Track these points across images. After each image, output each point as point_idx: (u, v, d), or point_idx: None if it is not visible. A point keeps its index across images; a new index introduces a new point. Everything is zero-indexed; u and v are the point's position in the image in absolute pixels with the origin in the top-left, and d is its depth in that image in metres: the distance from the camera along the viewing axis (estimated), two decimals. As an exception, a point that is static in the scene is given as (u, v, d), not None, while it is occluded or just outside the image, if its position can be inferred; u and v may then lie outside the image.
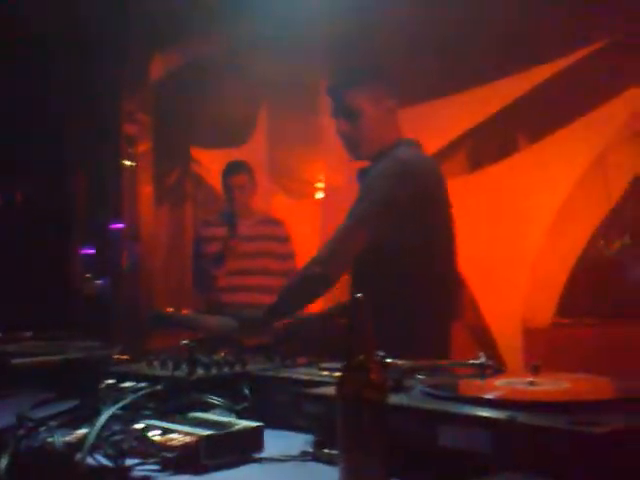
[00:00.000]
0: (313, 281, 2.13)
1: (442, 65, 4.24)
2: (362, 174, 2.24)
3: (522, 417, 0.90)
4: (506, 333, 4.18)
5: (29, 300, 4.27)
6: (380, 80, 2.24)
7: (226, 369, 1.51)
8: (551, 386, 1.08)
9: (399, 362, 1.22)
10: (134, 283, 5.02)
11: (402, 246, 2.06)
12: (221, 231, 3.67)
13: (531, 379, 1.11)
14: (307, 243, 3.96)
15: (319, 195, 5.67)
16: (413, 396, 1.09)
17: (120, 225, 5.38)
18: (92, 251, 5.47)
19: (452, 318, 2.21)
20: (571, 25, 3.91)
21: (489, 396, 1.01)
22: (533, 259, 4.33)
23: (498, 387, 1.09)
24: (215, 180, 5.56)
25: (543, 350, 3.90)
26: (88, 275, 5.36)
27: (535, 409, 0.93)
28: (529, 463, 0.88)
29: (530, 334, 4.13)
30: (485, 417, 0.92)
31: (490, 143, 4.72)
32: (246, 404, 1.36)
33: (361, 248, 2.09)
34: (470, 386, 1.14)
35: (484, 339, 4.17)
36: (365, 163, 2.29)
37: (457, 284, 2.34)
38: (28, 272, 4.59)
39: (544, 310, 4.37)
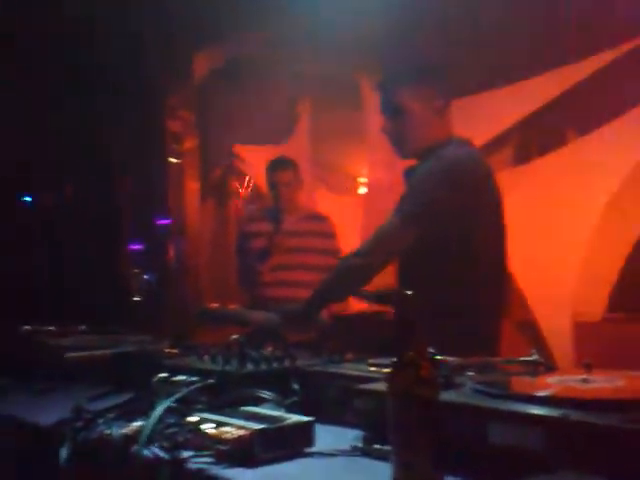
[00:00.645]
0: (352, 272, 2.13)
1: (490, 58, 4.18)
2: (409, 173, 2.23)
3: (575, 415, 0.90)
4: (556, 329, 4.11)
5: (80, 296, 4.38)
6: (429, 79, 2.22)
7: (275, 364, 1.53)
8: (604, 384, 1.06)
9: (449, 359, 1.22)
10: (180, 278, 5.11)
11: (449, 246, 2.04)
12: (266, 226, 3.69)
13: (584, 376, 1.10)
14: (348, 239, 3.96)
15: (362, 191, 5.67)
16: (463, 393, 1.09)
17: (167, 221, 5.47)
18: (140, 247, 5.57)
19: (502, 316, 2.18)
20: (621, 16, 3.82)
21: (541, 393, 1.00)
22: (583, 253, 4.24)
23: (550, 384, 1.08)
24: (258, 176, 5.60)
25: (594, 346, 3.82)
26: (136, 270, 5.46)
27: (588, 407, 0.92)
28: (581, 462, 0.87)
29: (580, 329, 4.06)
30: (537, 415, 0.92)
31: (538, 136, 4.64)
32: (295, 399, 1.38)
33: (404, 246, 2.07)
34: (521, 383, 1.13)
35: (533, 336, 4.11)
36: (412, 161, 2.28)
37: (507, 282, 2.29)
38: (78, 268, 4.70)
39: (595, 305, 4.28)
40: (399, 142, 2.21)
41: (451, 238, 2.03)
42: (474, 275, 2.06)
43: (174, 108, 5.26)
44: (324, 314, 2.53)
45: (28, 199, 5.05)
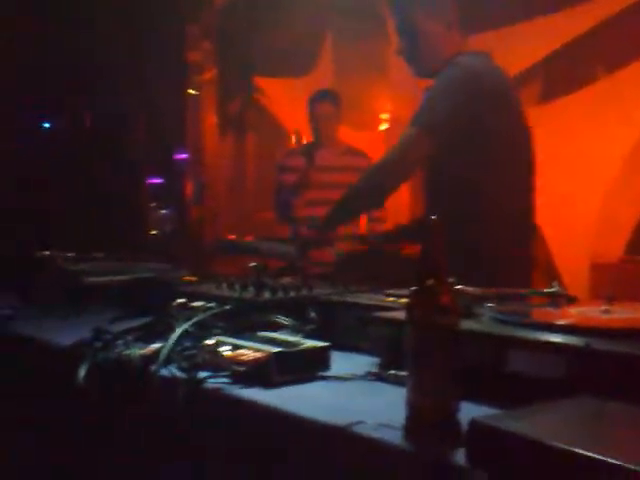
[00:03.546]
0: (371, 189, 2.11)
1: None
2: (427, 88, 2.17)
3: (597, 343, 0.88)
4: (573, 269, 4.08)
5: (98, 225, 4.40)
6: None
7: (292, 293, 1.53)
8: (626, 314, 1.05)
9: (469, 289, 1.21)
10: (199, 211, 5.11)
11: (473, 158, 1.97)
12: (302, 161, 3.64)
13: (606, 307, 1.08)
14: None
15: (383, 127, 5.57)
16: (483, 322, 1.08)
17: (185, 155, 5.44)
18: (158, 181, 5.56)
19: (529, 239, 2.13)
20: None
21: (563, 322, 0.99)
22: (604, 194, 4.18)
23: (572, 314, 1.07)
24: (279, 109, 5.52)
25: (610, 287, 3.81)
26: (154, 204, 5.46)
27: (611, 335, 0.91)
28: (602, 391, 0.86)
29: (597, 270, 4.03)
30: (559, 343, 0.91)
31: (566, 72, 4.51)
32: (312, 326, 1.38)
33: (424, 157, 2.03)
34: (543, 313, 1.12)
35: (549, 273, 4.09)
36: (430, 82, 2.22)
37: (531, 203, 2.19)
38: (96, 198, 4.71)
39: (613, 246, 4.24)
40: (415, 60, 2.16)
41: (473, 149, 1.96)
42: (499, 194, 1.99)
43: (195, 37, 5.16)
44: (341, 248, 2.52)
45: (46, 125, 5.02)
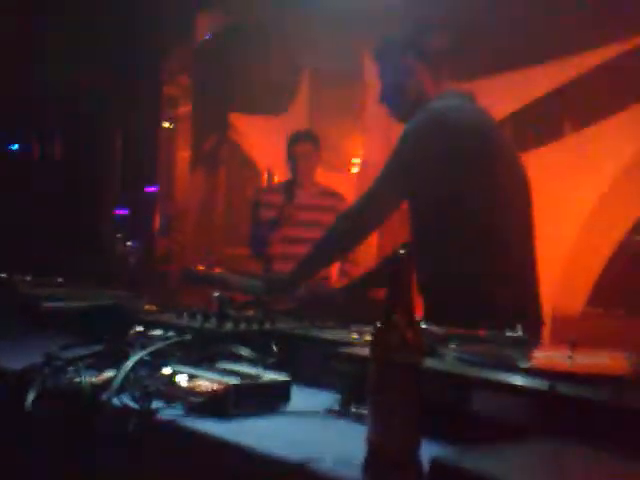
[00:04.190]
0: (341, 235, 2.09)
1: (486, 45, 4.13)
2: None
3: (561, 387, 0.87)
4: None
5: (59, 253, 4.32)
6: (428, 37, 2.16)
7: (255, 325, 1.50)
8: (590, 360, 1.04)
9: (433, 328, 1.19)
10: (165, 243, 5.05)
11: (444, 204, 1.93)
12: (279, 198, 3.66)
13: (570, 353, 1.07)
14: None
15: (355, 170, 5.62)
16: (447, 361, 1.06)
17: (154, 188, 5.41)
18: (125, 212, 5.51)
19: (526, 282, 2.04)
20: (624, 13, 3.78)
21: (527, 365, 0.98)
22: (569, 247, 4.24)
23: (536, 358, 1.06)
24: (252, 147, 5.53)
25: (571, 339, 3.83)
26: (119, 235, 5.40)
27: (575, 380, 0.90)
28: (565, 432, 0.85)
29: (559, 322, 4.06)
30: (523, 385, 0.90)
31: (533, 127, 4.62)
32: (274, 360, 1.35)
33: (394, 206, 2.01)
34: (507, 356, 1.11)
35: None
36: None
37: (528, 247, 2.13)
38: (61, 224, 4.63)
39: (575, 299, 4.29)
40: (398, 104, 2.15)
41: (446, 194, 1.92)
42: (478, 237, 1.93)
43: (172, 71, 5.18)
44: (305, 289, 2.50)
45: (14, 147, 4.96)
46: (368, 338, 1.32)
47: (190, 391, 1.11)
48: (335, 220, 2.19)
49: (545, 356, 1.10)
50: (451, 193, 1.91)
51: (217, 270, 2.37)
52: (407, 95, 2.10)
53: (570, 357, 1.07)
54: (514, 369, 0.97)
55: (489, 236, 1.92)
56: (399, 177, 1.99)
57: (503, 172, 1.99)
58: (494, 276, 1.90)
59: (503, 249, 1.96)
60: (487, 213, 1.93)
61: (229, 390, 1.08)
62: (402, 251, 0.92)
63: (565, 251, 4.24)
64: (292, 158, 3.71)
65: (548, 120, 4.65)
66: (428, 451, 0.82)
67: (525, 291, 2.02)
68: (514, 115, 4.45)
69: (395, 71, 2.11)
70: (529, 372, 0.94)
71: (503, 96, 4.38)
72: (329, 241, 2.14)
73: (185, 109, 5.36)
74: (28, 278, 2.17)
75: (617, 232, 4.39)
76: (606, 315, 4.28)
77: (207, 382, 1.12)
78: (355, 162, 5.68)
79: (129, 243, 5.30)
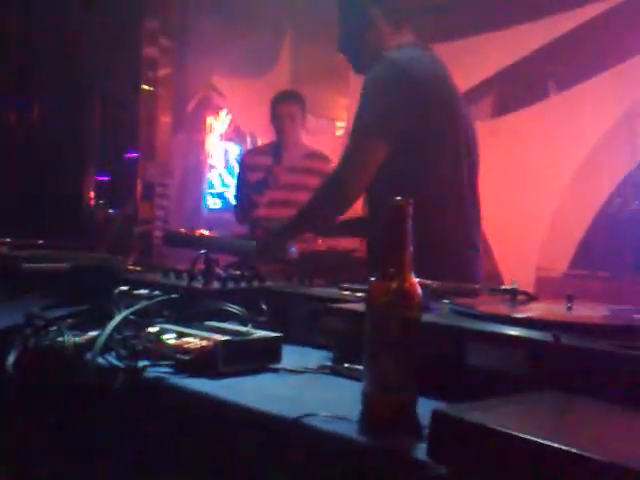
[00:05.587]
0: (330, 192, 2.06)
1: (474, 3, 4.07)
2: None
3: (565, 338, 0.84)
4: (518, 282, 4.12)
5: (41, 219, 4.24)
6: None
7: (243, 284, 1.46)
8: (589, 312, 1.02)
9: (427, 281, 1.16)
10: (147, 208, 4.98)
11: (407, 153, 1.93)
12: (266, 160, 3.58)
13: (568, 305, 1.05)
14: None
15: (339, 133, 5.55)
16: (443, 315, 1.03)
17: (135, 154, 5.31)
18: (107, 179, 5.42)
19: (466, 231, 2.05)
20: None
21: (529, 315, 0.95)
22: (552, 209, 4.23)
23: (534, 309, 1.03)
24: (234, 109, 5.44)
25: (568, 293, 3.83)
26: (101, 202, 5.32)
27: (576, 330, 0.87)
28: (567, 384, 0.82)
29: (542, 284, 4.07)
30: (523, 336, 0.87)
31: (519, 87, 4.57)
32: (263, 318, 1.32)
33: (376, 159, 1.97)
34: (503, 308, 1.08)
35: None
36: None
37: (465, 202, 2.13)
38: (42, 192, 4.55)
39: (559, 260, 4.30)
40: (355, 55, 2.13)
41: (407, 144, 1.92)
42: (433, 187, 1.94)
43: (153, 33, 5.04)
44: (293, 251, 2.46)
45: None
46: (360, 294, 1.29)
47: (178, 349, 1.07)
48: (321, 185, 2.16)
49: (544, 308, 1.07)
50: (412, 142, 1.90)
51: (198, 232, 2.32)
52: (366, 46, 2.08)
53: (569, 308, 1.05)
54: (514, 320, 0.94)
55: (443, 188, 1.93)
56: (371, 127, 1.96)
57: (458, 123, 2.04)
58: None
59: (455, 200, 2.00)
60: (442, 164, 1.96)
61: (217, 347, 1.04)
62: (399, 201, 0.88)
63: (548, 212, 4.23)
64: (277, 119, 3.63)
65: (533, 80, 4.61)
66: (426, 406, 0.80)
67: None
68: (500, 74, 4.41)
69: (356, 21, 2.09)
70: (530, 323, 0.92)
71: (489, 55, 4.33)
72: (317, 200, 2.10)
73: (166, 71, 5.24)
74: (7, 240, 2.11)
75: (601, 193, 4.39)
76: (590, 277, 4.29)
77: (196, 340, 1.08)
78: (340, 126, 5.61)
79: (111, 209, 5.23)
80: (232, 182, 5.19)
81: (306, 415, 0.84)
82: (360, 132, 1.99)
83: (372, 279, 0.91)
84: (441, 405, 0.76)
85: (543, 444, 0.63)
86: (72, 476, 1.12)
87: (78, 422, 1.11)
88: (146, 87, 5.25)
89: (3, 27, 4.51)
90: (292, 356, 1.17)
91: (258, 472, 0.87)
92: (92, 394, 1.06)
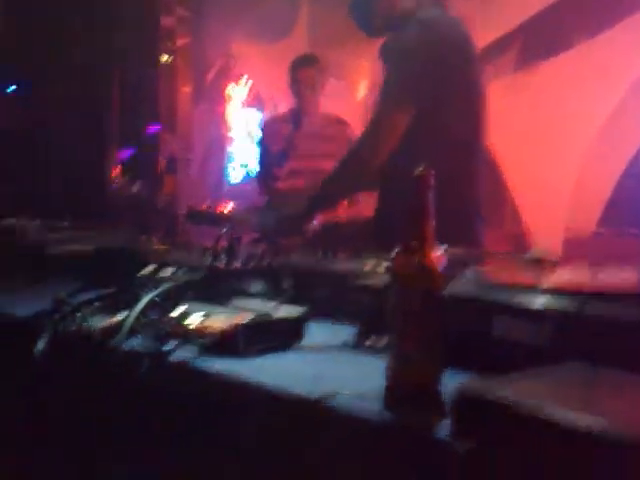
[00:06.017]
0: (355, 163, 2.02)
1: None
2: (385, 49, 2.06)
3: (590, 307, 0.83)
4: (546, 242, 4.05)
5: (66, 197, 4.28)
6: None
7: (265, 261, 1.46)
8: (619, 278, 0.99)
9: (451, 251, 1.14)
10: (171, 182, 5.00)
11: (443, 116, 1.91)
12: (287, 127, 3.50)
13: (595, 271, 1.02)
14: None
15: (361, 94, 5.47)
16: (468, 285, 1.02)
17: (157, 127, 5.30)
18: (129, 153, 5.43)
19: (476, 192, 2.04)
20: None
21: (552, 285, 0.93)
22: (580, 165, 4.14)
23: (561, 277, 1.01)
24: (254, 75, 5.39)
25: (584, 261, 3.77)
26: (125, 177, 5.34)
27: (605, 299, 0.85)
28: (594, 356, 0.81)
29: (571, 244, 4.00)
30: (550, 307, 0.85)
31: (543, 38, 4.45)
32: (288, 294, 1.31)
33: (403, 130, 1.93)
34: (528, 276, 1.06)
35: (522, 248, 4.05)
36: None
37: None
38: (64, 167, 4.57)
39: (587, 219, 4.21)
40: (367, 17, 2.06)
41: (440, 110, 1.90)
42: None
43: (169, 3, 5.00)
44: (315, 222, 2.44)
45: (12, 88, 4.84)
46: (381, 269, 1.27)
47: (201, 332, 1.08)
48: (342, 163, 2.10)
49: (570, 275, 1.05)
50: (431, 108, 1.88)
51: (221, 208, 2.31)
52: (378, 8, 2.01)
53: (596, 275, 1.02)
54: (539, 290, 0.92)
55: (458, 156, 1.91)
56: (406, 99, 1.91)
57: (479, 83, 2.03)
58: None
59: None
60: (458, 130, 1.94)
61: (238, 329, 1.05)
62: (420, 172, 0.86)
63: (576, 170, 4.14)
64: (296, 83, 3.55)
65: (558, 29, 4.47)
66: (451, 380, 0.79)
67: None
68: (521, 27, 4.29)
69: None
70: (555, 292, 0.90)
71: (511, 7, 4.21)
72: (342, 172, 2.07)
73: (184, 41, 5.20)
74: (36, 222, 2.12)
75: (629, 148, 4.27)
76: (620, 234, 4.20)
77: (218, 322, 1.08)
78: (361, 87, 5.53)
79: (134, 184, 5.25)
80: (254, 151, 5.16)
81: (329, 395, 0.84)
82: (388, 103, 1.95)
83: (395, 252, 0.89)
84: (465, 380, 0.75)
85: (571, 425, 0.62)
86: (101, 459, 1.14)
87: (105, 406, 1.12)
88: (165, 57, 5.22)
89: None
90: (316, 333, 1.17)
91: (282, 452, 0.88)
92: (119, 378, 1.08)
